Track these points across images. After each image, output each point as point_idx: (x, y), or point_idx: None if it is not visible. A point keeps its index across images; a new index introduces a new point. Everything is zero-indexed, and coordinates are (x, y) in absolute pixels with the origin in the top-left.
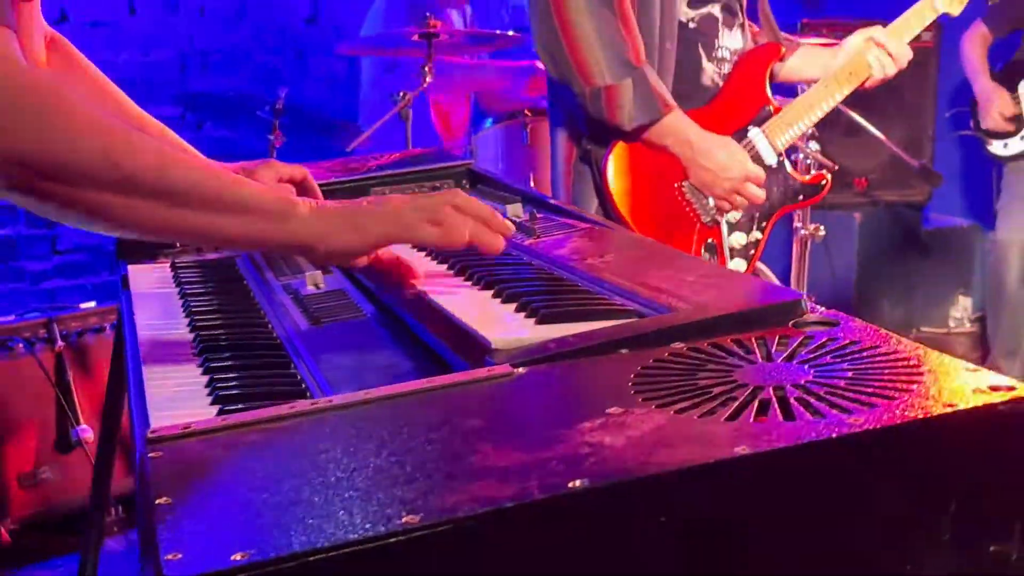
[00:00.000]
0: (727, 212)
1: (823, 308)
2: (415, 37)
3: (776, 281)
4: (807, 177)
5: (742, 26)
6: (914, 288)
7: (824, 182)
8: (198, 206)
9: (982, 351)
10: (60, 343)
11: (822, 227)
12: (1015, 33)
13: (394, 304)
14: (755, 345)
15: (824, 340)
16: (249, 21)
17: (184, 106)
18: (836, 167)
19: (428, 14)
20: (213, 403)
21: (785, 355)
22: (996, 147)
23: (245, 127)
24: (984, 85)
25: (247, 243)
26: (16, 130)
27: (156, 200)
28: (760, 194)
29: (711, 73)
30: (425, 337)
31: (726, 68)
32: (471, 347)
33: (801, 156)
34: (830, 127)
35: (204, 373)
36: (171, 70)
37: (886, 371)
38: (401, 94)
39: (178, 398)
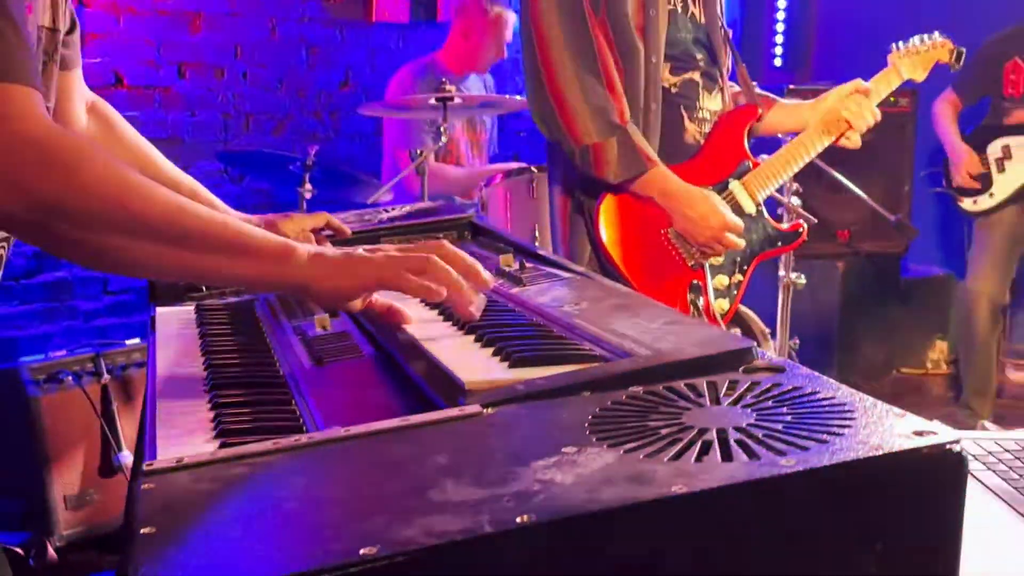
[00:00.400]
0: (710, 256)
1: (793, 349)
2: (432, 101)
3: (761, 324)
4: (785, 226)
5: (722, 90)
6: (893, 332)
7: (800, 230)
8: (204, 249)
9: (957, 391)
10: (106, 376)
11: (803, 276)
12: (983, 101)
13: (387, 345)
14: (705, 389)
15: (769, 386)
16: (288, 86)
17: (227, 162)
18: (816, 221)
19: (444, 80)
20: (216, 436)
21: (732, 399)
22: (967, 203)
23: (280, 180)
24: (955, 146)
25: (248, 282)
26: (41, 180)
27: (165, 243)
28: (739, 241)
29: (693, 132)
30: (412, 376)
31: (707, 127)
32: (448, 387)
33: (784, 210)
34: (815, 184)
35: (211, 408)
36: (216, 129)
37: (822, 416)
38: (418, 152)
39: (186, 432)
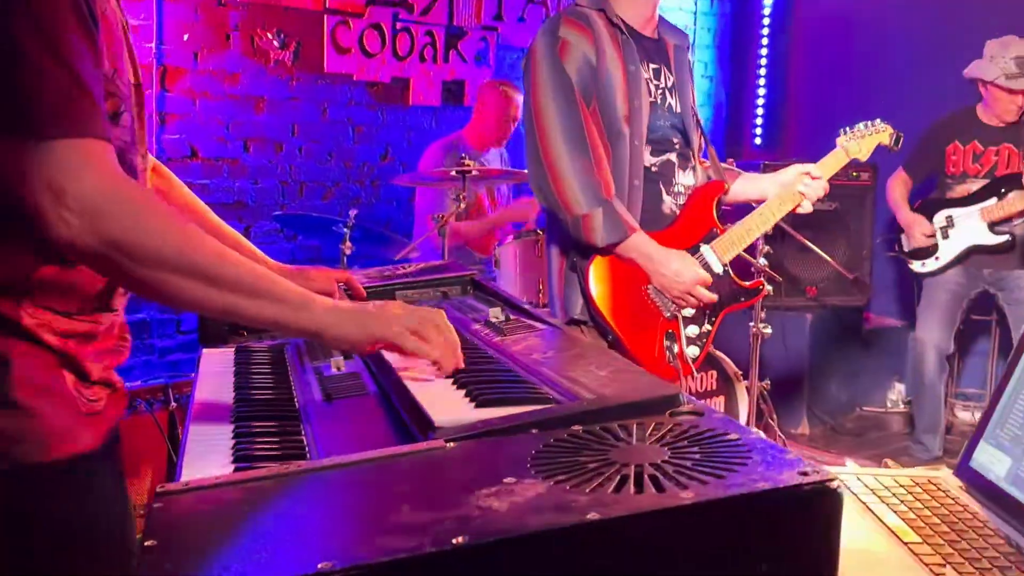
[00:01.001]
0: (683, 308)
1: (764, 390)
2: (453, 173)
3: (734, 367)
4: (748, 283)
5: (694, 168)
6: (856, 375)
7: (761, 287)
8: (240, 292)
9: (913, 427)
10: (173, 404)
11: (769, 327)
12: (930, 178)
13: (384, 383)
14: (633, 428)
15: (687, 427)
16: (336, 158)
17: (283, 223)
18: (781, 279)
19: (463, 155)
20: (233, 461)
21: (654, 439)
22: (916, 265)
23: (326, 239)
24: (906, 216)
25: (273, 324)
26: (111, 222)
27: (208, 284)
28: (708, 295)
29: (670, 204)
30: (400, 412)
31: (681, 200)
32: (423, 423)
33: (754, 269)
34: (788, 246)
35: (233, 436)
36: (275, 195)
37: (725, 455)
38: (440, 216)
39: (209, 456)
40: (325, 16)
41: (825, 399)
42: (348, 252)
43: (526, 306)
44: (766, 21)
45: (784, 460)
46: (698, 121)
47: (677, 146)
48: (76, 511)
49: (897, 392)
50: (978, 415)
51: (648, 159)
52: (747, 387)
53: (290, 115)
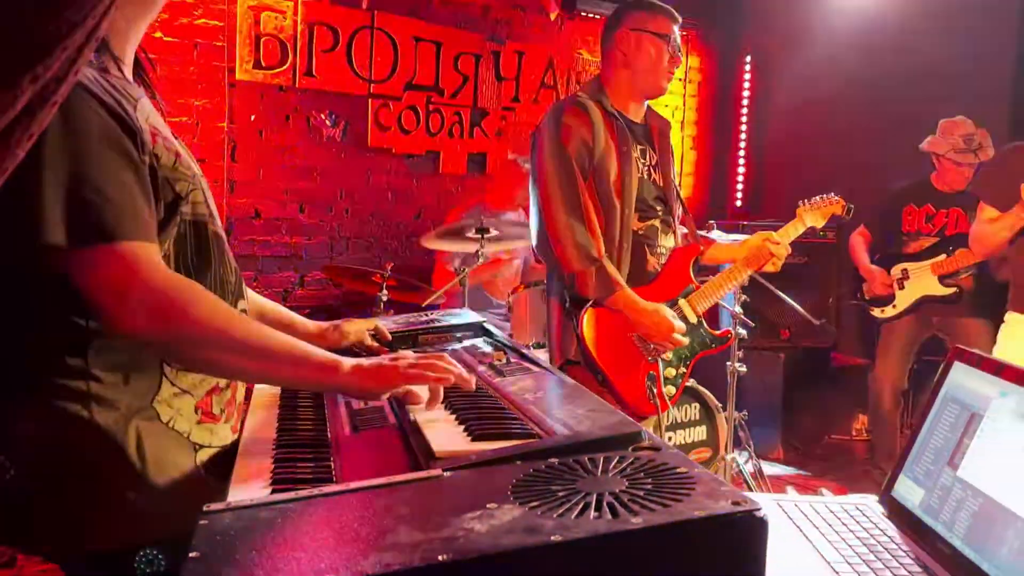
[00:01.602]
0: (662, 353)
1: (743, 419)
2: (473, 232)
3: (715, 400)
4: (718, 332)
5: (674, 232)
6: (825, 407)
7: (729, 336)
8: (279, 361)
9: (873, 454)
10: None
11: (745, 366)
12: (888, 236)
13: (400, 417)
14: (600, 461)
15: (645, 461)
16: (376, 219)
17: (331, 273)
18: (754, 325)
19: (482, 217)
20: (271, 484)
21: (616, 470)
22: (875, 312)
23: (367, 286)
24: (867, 269)
25: (307, 386)
26: (169, 313)
27: (251, 358)
28: (683, 341)
29: (653, 263)
30: (413, 444)
31: (663, 260)
32: (427, 453)
33: (731, 316)
34: (764, 295)
35: (272, 462)
36: (324, 250)
37: (673, 485)
38: (462, 268)
39: (252, 480)
40: (369, 100)
41: (797, 429)
42: (385, 298)
43: (526, 351)
44: (745, 102)
45: (721, 492)
46: (678, 192)
47: (660, 214)
48: None
49: (860, 422)
50: None
51: (635, 224)
52: (726, 417)
53: (339, 182)
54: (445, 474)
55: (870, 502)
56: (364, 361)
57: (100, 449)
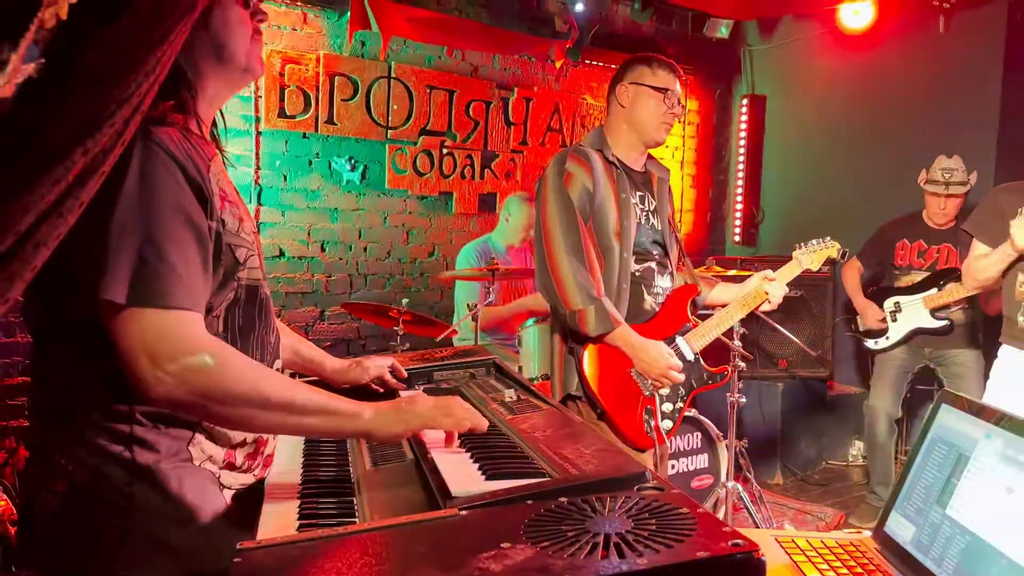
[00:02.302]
0: (659, 388)
1: (743, 447)
2: (484, 269)
3: (716, 429)
4: (715, 369)
5: (671, 273)
6: (822, 434)
7: (726, 372)
8: (305, 414)
9: (869, 479)
10: None
11: (744, 397)
12: (881, 270)
13: (418, 454)
14: (607, 501)
15: (649, 501)
16: (393, 256)
17: (350, 309)
18: (752, 358)
19: (493, 257)
20: (297, 520)
21: (623, 511)
22: (869, 343)
23: (384, 321)
24: (860, 301)
25: (331, 434)
26: (200, 376)
27: (278, 411)
28: (679, 378)
29: (650, 303)
30: (428, 478)
31: (660, 299)
32: (444, 492)
33: (730, 352)
34: (763, 328)
35: (299, 498)
36: (344, 286)
37: (676, 526)
38: (473, 304)
39: (280, 517)
40: (387, 145)
41: (796, 455)
42: (401, 332)
43: (534, 388)
44: (742, 143)
45: (721, 532)
46: (676, 237)
47: (657, 256)
48: None
49: (857, 448)
50: None
51: (633, 266)
52: (727, 446)
53: (358, 222)
54: (461, 513)
55: (864, 538)
56: (383, 405)
57: (139, 486)
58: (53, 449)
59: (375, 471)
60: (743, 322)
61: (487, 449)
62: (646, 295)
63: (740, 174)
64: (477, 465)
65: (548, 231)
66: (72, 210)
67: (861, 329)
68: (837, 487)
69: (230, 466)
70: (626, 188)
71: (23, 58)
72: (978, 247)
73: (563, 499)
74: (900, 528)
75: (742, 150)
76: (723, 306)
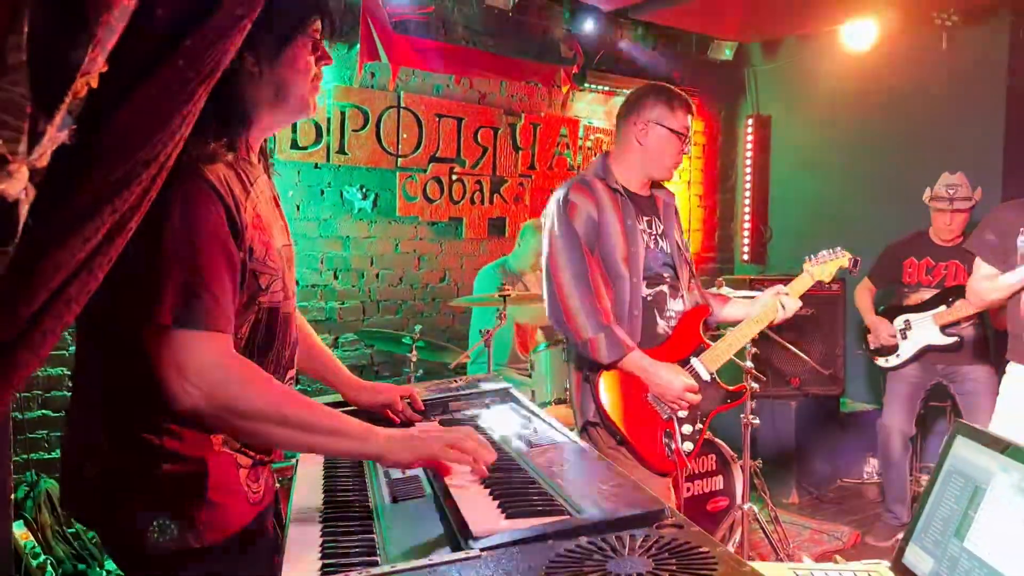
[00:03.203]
0: (677, 411)
1: (758, 467)
2: (496, 295)
3: (730, 451)
4: (732, 388)
5: (682, 296)
6: (836, 452)
7: (743, 391)
8: (321, 433)
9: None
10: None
11: (757, 418)
12: (890, 288)
13: (436, 488)
14: (627, 540)
15: (669, 540)
16: (405, 282)
17: (362, 336)
18: (765, 379)
19: (506, 283)
20: (321, 558)
21: (643, 550)
22: (881, 361)
23: (397, 347)
24: (871, 320)
25: (343, 454)
26: (223, 390)
27: (294, 429)
28: (696, 399)
29: (663, 326)
30: (448, 516)
31: (673, 322)
32: (465, 531)
33: (744, 373)
34: (774, 347)
35: (321, 535)
36: (357, 313)
37: (696, 565)
38: (485, 330)
39: (304, 553)
40: (397, 173)
41: (810, 473)
42: (415, 359)
43: (549, 418)
44: (748, 162)
45: (742, 571)
46: (686, 258)
47: (668, 280)
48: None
49: (871, 466)
50: None
51: (644, 291)
52: (741, 467)
53: (369, 249)
54: (484, 554)
55: (882, 569)
56: (395, 432)
57: (167, 465)
58: (93, 430)
59: (394, 506)
60: (754, 342)
61: (506, 485)
62: (659, 319)
63: (747, 193)
64: (497, 502)
65: (555, 263)
66: (102, 266)
67: (872, 347)
68: (852, 505)
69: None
70: (631, 215)
71: (57, 128)
72: (982, 267)
73: (583, 538)
74: (919, 560)
75: (748, 169)
76: (737, 323)
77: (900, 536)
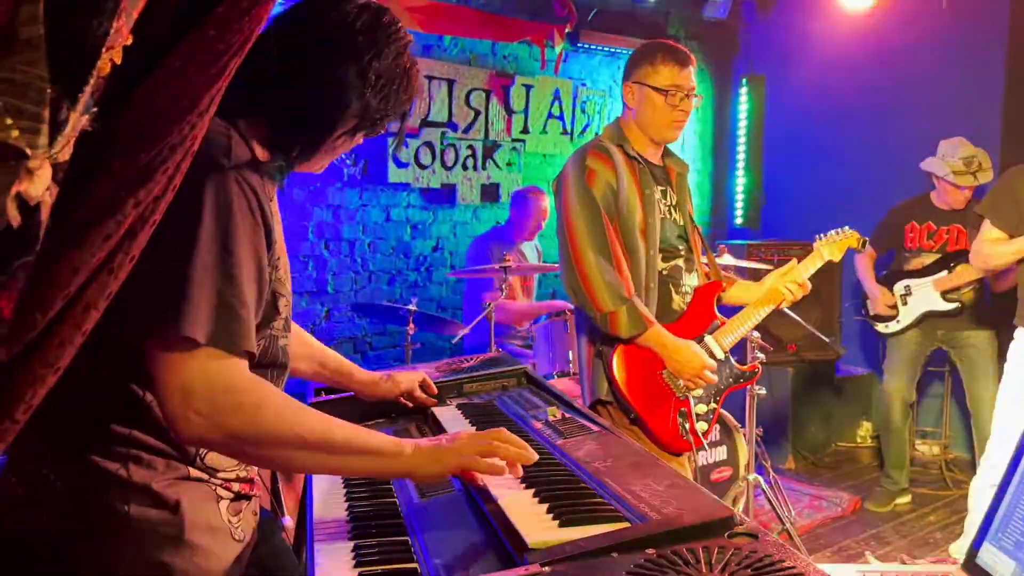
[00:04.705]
0: (692, 390)
1: (759, 436)
2: (496, 267)
3: (734, 420)
4: (745, 367)
5: (697, 270)
6: (831, 416)
7: (757, 370)
8: (345, 453)
9: (880, 459)
10: None
11: (763, 388)
12: (890, 253)
13: (471, 490)
14: (700, 553)
15: (747, 553)
16: (397, 251)
17: (355, 311)
18: (772, 349)
19: (505, 253)
20: (355, 566)
21: (720, 566)
22: (880, 327)
23: (392, 320)
24: (871, 286)
25: (371, 474)
26: (233, 417)
27: (315, 451)
28: (713, 378)
29: (678, 301)
30: (491, 523)
31: (688, 298)
32: (518, 542)
33: (747, 340)
34: (772, 314)
35: (350, 539)
36: (349, 283)
37: None
38: (488, 303)
39: (336, 557)
40: (387, 137)
41: (806, 437)
42: (412, 332)
43: (577, 404)
44: (741, 123)
45: None
46: (698, 231)
47: (682, 252)
48: None
49: (865, 429)
50: (936, 449)
51: (660, 265)
52: (744, 437)
53: (361, 218)
54: (545, 569)
55: (955, 570)
56: (423, 443)
57: (135, 506)
58: (42, 461)
59: (423, 504)
60: None
61: (550, 486)
62: (674, 294)
63: (741, 155)
64: (545, 507)
65: (573, 231)
66: (123, 266)
67: (871, 314)
68: (848, 470)
69: (226, 480)
70: (649, 184)
71: (81, 113)
72: (991, 230)
73: (651, 551)
74: (997, 562)
75: (743, 131)
76: (741, 306)
77: (900, 500)
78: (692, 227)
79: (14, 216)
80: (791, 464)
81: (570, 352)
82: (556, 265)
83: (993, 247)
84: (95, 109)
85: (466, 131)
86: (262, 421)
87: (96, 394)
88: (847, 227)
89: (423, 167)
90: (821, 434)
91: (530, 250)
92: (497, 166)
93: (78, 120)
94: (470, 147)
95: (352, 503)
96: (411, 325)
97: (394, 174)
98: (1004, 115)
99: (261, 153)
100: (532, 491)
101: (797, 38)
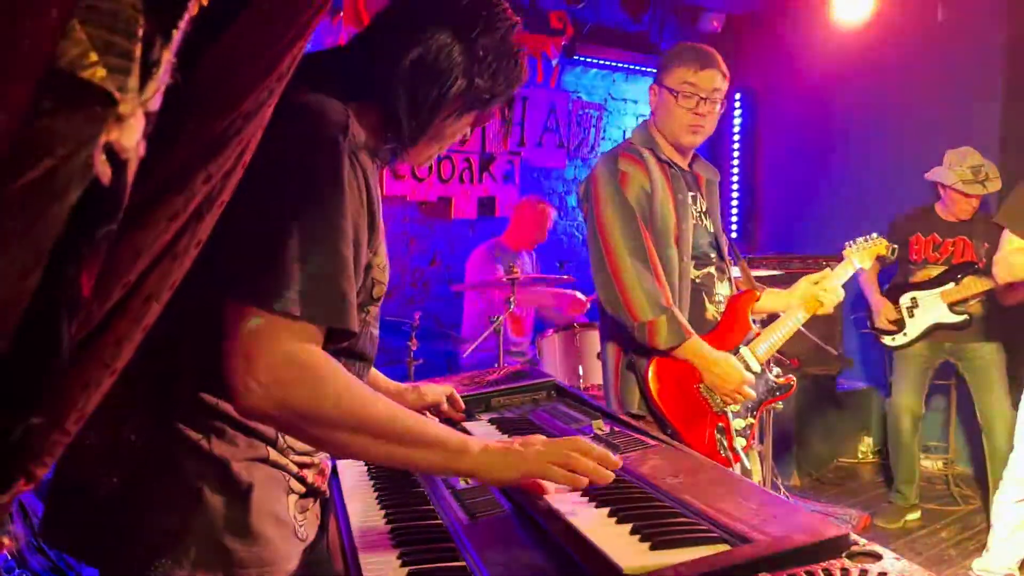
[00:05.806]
0: (730, 404)
1: None
2: (504, 279)
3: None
4: (781, 380)
5: (729, 279)
6: (833, 431)
7: (792, 383)
8: (408, 443)
9: (883, 475)
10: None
11: (780, 403)
12: (895, 265)
13: (530, 510)
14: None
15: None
16: (394, 265)
17: None
18: (798, 363)
19: (512, 264)
20: None
21: None
22: (886, 340)
23: (395, 336)
24: (875, 298)
25: (434, 469)
26: (292, 390)
27: (376, 438)
28: (752, 393)
29: (712, 311)
30: (564, 547)
31: (721, 307)
32: (604, 567)
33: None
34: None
35: (402, 566)
36: None
37: None
38: (496, 317)
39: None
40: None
41: (809, 453)
42: (415, 347)
43: (621, 416)
44: (736, 137)
45: None
46: (729, 239)
47: (714, 260)
48: None
49: (866, 444)
50: (940, 464)
51: (693, 272)
52: (759, 453)
53: None
54: None
55: None
56: (493, 444)
57: (209, 482)
58: (124, 420)
59: (474, 526)
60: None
61: (628, 504)
62: (707, 304)
63: (735, 169)
64: (627, 527)
65: (606, 237)
66: (188, 251)
67: (876, 327)
68: (852, 486)
69: (301, 466)
70: (682, 189)
71: (173, 55)
72: (1014, 241)
73: (764, 575)
74: None
75: (737, 145)
76: (773, 316)
77: (910, 517)
78: (723, 234)
79: (104, 172)
80: (796, 481)
81: (580, 366)
82: (564, 277)
83: (1018, 256)
84: (174, 61)
85: (463, 143)
86: (319, 399)
87: (188, 360)
88: (875, 234)
89: (420, 180)
90: (824, 450)
91: (527, 261)
92: (493, 179)
93: (171, 60)
94: (467, 160)
95: (393, 525)
96: (414, 340)
97: (391, 187)
98: (1002, 127)
99: (369, 139)
100: (607, 510)
101: (791, 53)
